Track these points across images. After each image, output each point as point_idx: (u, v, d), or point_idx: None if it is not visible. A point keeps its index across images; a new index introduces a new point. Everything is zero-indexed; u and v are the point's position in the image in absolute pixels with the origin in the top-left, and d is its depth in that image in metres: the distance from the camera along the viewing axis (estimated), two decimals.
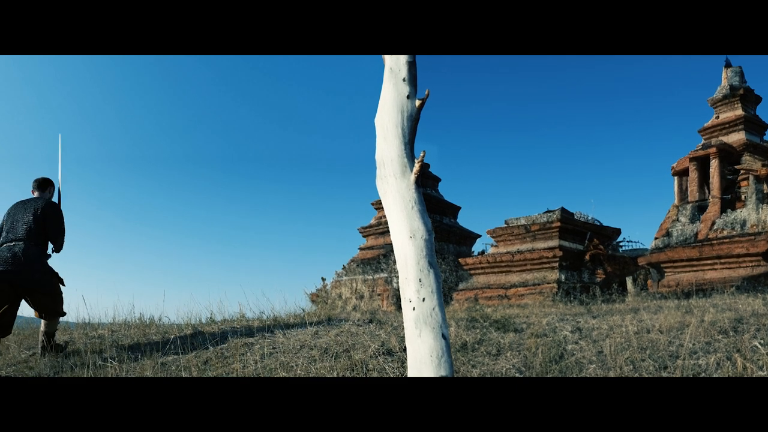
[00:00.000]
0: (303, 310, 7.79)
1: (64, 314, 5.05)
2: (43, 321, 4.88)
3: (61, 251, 5.05)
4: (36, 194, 5.18)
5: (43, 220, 4.89)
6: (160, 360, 4.33)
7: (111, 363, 4.29)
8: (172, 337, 5.19)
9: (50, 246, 5.02)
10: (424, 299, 2.68)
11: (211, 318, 6.71)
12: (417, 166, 2.84)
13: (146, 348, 4.81)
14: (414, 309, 2.68)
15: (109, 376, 3.98)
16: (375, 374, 3.88)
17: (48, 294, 4.82)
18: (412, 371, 2.68)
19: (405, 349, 4.30)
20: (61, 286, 4.96)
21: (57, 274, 4.97)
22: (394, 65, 2.91)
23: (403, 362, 4.11)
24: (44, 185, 5.20)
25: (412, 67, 2.91)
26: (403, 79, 2.89)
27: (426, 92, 2.91)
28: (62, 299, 5.00)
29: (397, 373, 3.90)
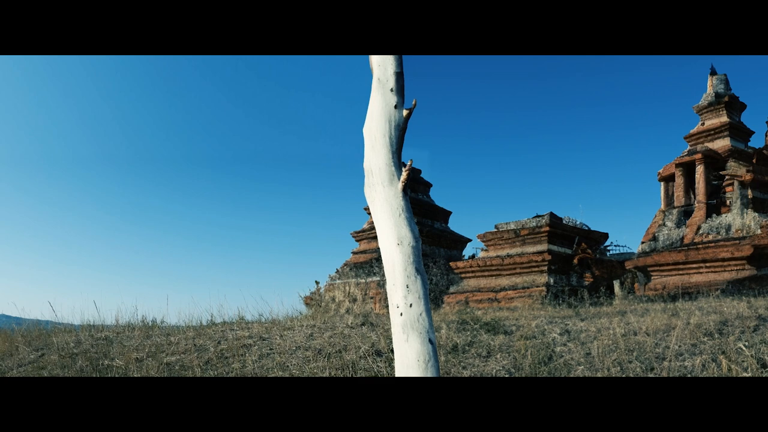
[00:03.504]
0: (300, 313, 7.97)
1: None
2: None
3: None
4: None
5: None
6: (165, 360, 4.44)
7: (117, 363, 4.40)
8: (174, 339, 5.34)
9: None
10: (411, 305, 2.73)
11: (211, 320, 6.88)
12: (405, 174, 2.89)
13: (151, 349, 4.95)
14: (401, 314, 2.74)
15: (116, 376, 4.08)
16: (363, 374, 4.02)
17: None
18: (400, 375, 2.72)
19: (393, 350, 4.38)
20: None
21: None
22: (382, 75, 2.96)
23: (391, 362, 4.22)
24: None
25: (399, 77, 2.96)
26: (391, 90, 2.93)
27: (413, 102, 2.96)
28: None
29: (386, 373, 4.02)
